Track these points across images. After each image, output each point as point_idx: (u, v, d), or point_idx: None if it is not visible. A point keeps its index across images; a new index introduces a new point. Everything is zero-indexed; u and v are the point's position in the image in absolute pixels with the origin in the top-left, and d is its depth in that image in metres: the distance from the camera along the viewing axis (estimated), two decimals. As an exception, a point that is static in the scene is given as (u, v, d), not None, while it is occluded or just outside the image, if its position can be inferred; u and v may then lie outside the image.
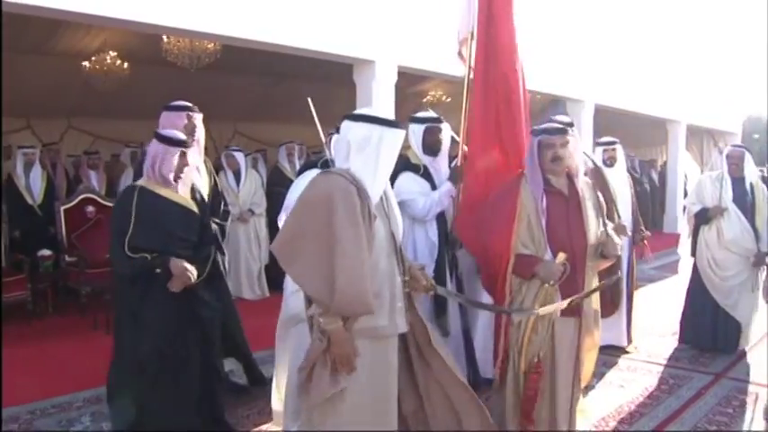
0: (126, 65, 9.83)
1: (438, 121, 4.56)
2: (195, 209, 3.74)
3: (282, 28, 6.58)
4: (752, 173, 5.78)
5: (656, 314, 6.96)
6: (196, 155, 4.21)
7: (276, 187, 8.69)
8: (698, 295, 5.82)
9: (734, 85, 18.46)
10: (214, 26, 6.22)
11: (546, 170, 3.50)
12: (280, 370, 3.83)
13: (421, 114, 4.65)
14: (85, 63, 9.77)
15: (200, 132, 4.39)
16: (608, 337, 5.61)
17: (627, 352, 5.75)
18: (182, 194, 3.68)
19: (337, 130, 3.79)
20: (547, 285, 3.34)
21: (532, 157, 3.52)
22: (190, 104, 4.34)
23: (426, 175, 4.48)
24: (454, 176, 4.37)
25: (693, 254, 5.91)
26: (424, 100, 12.92)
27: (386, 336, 2.84)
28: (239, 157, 8.04)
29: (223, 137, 12.31)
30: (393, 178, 4.15)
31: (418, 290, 3.04)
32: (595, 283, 3.63)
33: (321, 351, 2.65)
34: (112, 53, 9.81)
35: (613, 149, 5.93)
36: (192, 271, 3.50)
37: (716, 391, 4.91)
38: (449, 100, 12.89)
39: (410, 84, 10.99)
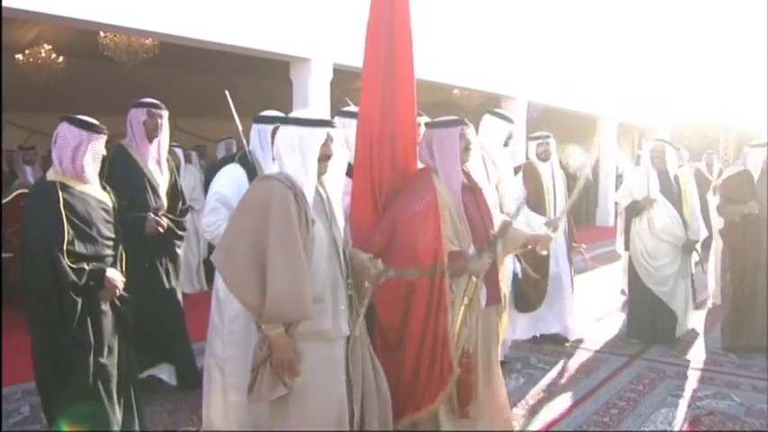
0: (61, 59, 9.74)
1: None
2: (109, 200, 3.45)
3: (219, 26, 6.68)
4: (675, 165, 6.09)
5: (588, 301, 7.28)
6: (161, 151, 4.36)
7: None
8: (636, 290, 6.04)
9: (664, 84, 19.24)
10: (151, 23, 6.28)
11: (462, 162, 3.50)
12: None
13: (349, 108, 4.39)
14: (19, 56, 9.64)
15: (165, 129, 4.48)
16: (547, 327, 5.90)
17: (567, 341, 5.96)
18: (95, 187, 3.39)
19: (254, 121, 3.86)
20: (474, 278, 3.37)
21: (452, 149, 3.47)
22: (157, 102, 4.42)
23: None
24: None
25: (627, 248, 6.15)
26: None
27: (330, 339, 2.84)
28: (179, 152, 8.09)
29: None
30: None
31: (369, 279, 2.95)
32: (501, 268, 3.70)
33: (264, 357, 2.69)
34: (47, 46, 9.71)
35: (547, 143, 5.97)
36: (121, 282, 3.33)
37: (629, 371, 5.28)
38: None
39: (350, 79, 11.15)
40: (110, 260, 3.36)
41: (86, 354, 3.18)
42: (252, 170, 3.79)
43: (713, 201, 7.65)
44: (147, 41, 9.05)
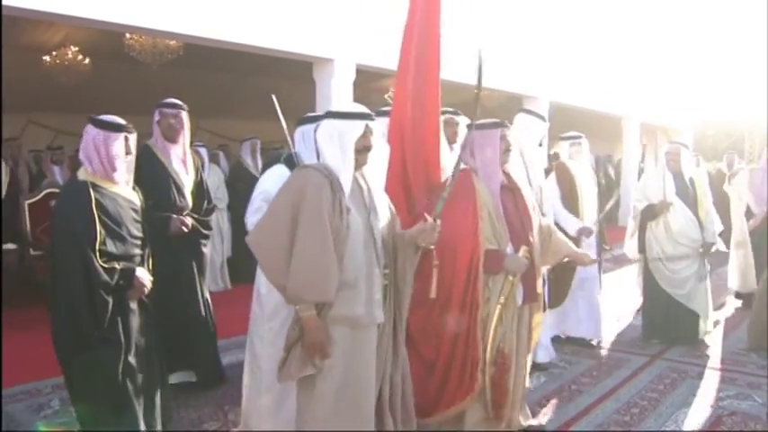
0: (87, 60, 9.89)
1: None
2: (137, 200, 3.49)
3: (243, 27, 6.76)
4: (690, 167, 6.06)
5: (608, 301, 7.25)
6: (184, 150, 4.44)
7: (239, 183, 8.88)
8: (652, 291, 5.98)
9: (687, 85, 19.09)
10: (176, 25, 6.37)
11: (502, 162, 3.59)
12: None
13: (384, 108, 4.45)
14: (46, 58, 9.81)
15: (187, 129, 4.57)
16: (582, 330, 5.86)
17: (593, 346, 5.90)
18: (124, 187, 3.42)
19: (298, 123, 3.94)
20: (511, 277, 3.44)
21: (493, 150, 3.55)
22: (174, 101, 4.50)
23: None
24: None
25: (642, 250, 6.07)
26: (386, 95, 13.14)
27: (363, 325, 2.91)
28: (203, 152, 8.21)
29: (185, 132, 12.41)
30: None
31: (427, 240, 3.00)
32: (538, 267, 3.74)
33: (296, 338, 2.81)
34: (74, 48, 9.86)
35: (579, 143, 5.91)
36: (149, 281, 3.39)
37: (650, 370, 5.28)
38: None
39: (372, 79, 11.21)
40: (138, 260, 3.40)
41: (116, 353, 3.22)
42: None
43: (731, 193, 7.62)
44: (171, 43, 9.17)
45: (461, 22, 8.59)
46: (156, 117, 4.54)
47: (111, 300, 3.18)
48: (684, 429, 4.16)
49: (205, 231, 4.75)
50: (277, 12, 7.01)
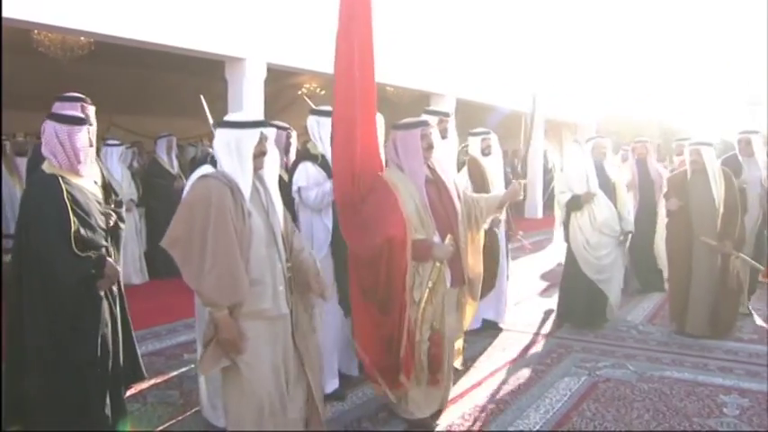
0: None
1: None
2: (100, 195, 3.62)
3: (154, 26, 6.86)
4: (610, 161, 6.52)
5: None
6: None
7: (155, 179, 9.00)
8: (573, 278, 6.31)
9: (589, 81, 20.08)
10: (85, 23, 6.39)
11: (425, 159, 3.90)
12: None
13: (324, 107, 4.61)
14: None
15: (93, 124, 4.65)
16: (489, 314, 6.20)
17: (500, 329, 6.26)
18: (88, 180, 3.53)
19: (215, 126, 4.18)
20: (439, 264, 3.80)
21: (415, 148, 3.86)
22: (82, 96, 4.42)
23: (324, 164, 4.47)
24: None
25: (567, 239, 6.45)
26: (299, 92, 13.39)
27: (271, 317, 3.14)
28: (118, 149, 8.24)
29: (99, 129, 12.23)
30: (294, 167, 4.53)
31: (313, 293, 3.38)
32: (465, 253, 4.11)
33: (211, 335, 3.05)
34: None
35: (489, 138, 6.14)
36: (118, 272, 3.47)
37: (540, 347, 5.81)
38: (323, 92, 13.44)
39: (285, 76, 11.42)
40: (104, 250, 3.48)
41: (83, 342, 3.33)
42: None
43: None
44: (82, 38, 9.12)
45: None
46: (78, 111, 4.46)
47: (81, 289, 3.29)
48: (563, 395, 4.64)
49: (121, 224, 4.85)
50: (188, 11, 7.14)
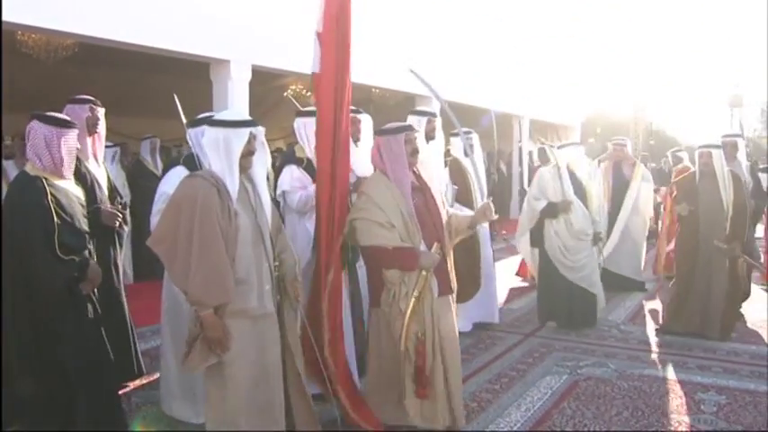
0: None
1: None
2: (84, 197, 3.63)
3: (139, 27, 6.87)
4: (584, 165, 6.52)
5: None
6: (98, 145, 4.43)
7: (139, 180, 8.98)
8: (550, 279, 6.27)
9: (574, 83, 20.24)
10: (69, 24, 6.40)
11: (410, 164, 3.84)
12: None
13: (310, 109, 4.58)
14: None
15: (102, 125, 4.58)
16: (481, 315, 6.20)
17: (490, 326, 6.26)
18: (71, 182, 3.54)
19: (192, 125, 4.05)
20: (425, 272, 3.70)
21: (399, 153, 3.78)
22: (92, 98, 4.48)
23: (309, 168, 4.47)
24: None
25: (535, 245, 6.41)
26: (285, 94, 13.40)
27: (256, 316, 3.17)
28: (113, 150, 8.25)
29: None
30: (279, 170, 4.55)
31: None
32: (450, 261, 4.06)
33: (197, 334, 3.06)
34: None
35: (471, 138, 6.00)
36: (100, 275, 3.46)
37: (522, 346, 5.86)
38: (309, 94, 13.43)
39: (270, 78, 11.44)
40: (87, 253, 3.49)
41: (67, 344, 3.33)
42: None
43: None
44: (67, 39, 9.10)
45: (355, 25, 8.95)
46: (87, 113, 4.43)
47: (65, 291, 3.29)
48: (544, 393, 4.71)
49: (125, 226, 4.72)
50: (173, 13, 7.16)
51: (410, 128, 3.94)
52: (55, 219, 3.25)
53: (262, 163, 3.35)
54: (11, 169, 8.42)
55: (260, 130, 3.27)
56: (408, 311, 3.69)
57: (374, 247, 3.75)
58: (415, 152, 3.85)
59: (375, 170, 3.98)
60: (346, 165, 4.04)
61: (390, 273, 3.73)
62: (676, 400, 4.58)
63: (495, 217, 4.04)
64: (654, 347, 5.84)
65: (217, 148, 3.13)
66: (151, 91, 11.47)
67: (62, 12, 6.27)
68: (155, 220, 3.89)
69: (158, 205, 3.95)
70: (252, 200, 3.28)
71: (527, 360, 5.47)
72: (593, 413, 4.34)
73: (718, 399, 4.60)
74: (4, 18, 5.89)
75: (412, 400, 3.79)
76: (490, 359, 5.48)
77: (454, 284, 4.04)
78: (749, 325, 6.62)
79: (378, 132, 3.97)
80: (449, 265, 3.95)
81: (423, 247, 3.77)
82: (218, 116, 3.29)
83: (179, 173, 3.96)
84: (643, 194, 8.20)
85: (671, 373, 5.13)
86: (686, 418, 4.27)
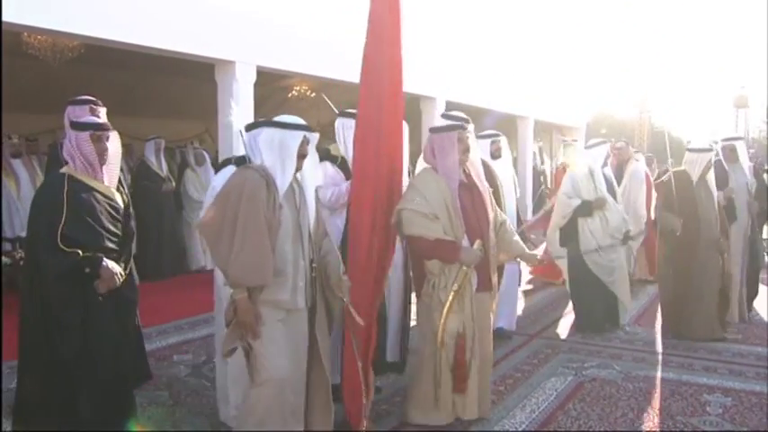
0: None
1: None
2: (120, 200, 3.64)
3: (144, 28, 6.86)
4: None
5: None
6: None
7: (144, 181, 9.02)
8: (586, 283, 6.19)
9: (579, 84, 20.19)
10: (75, 26, 6.39)
11: (461, 162, 3.97)
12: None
13: (350, 110, 4.51)
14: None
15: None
16: (501, 321, 6.02)
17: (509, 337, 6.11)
18: (107, 185, 3.58)
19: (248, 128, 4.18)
20: (465, 268, 3.82)
21: (451, 150, 3.91)
22: (93, 98, 4.44)
23: (343, 166, 4.57)
24: None
25: (564, 244, 6.29)
26: (289, 95, 13.42)
27: (286, 309, 3.30)
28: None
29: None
30: None
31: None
32: (492, 259, 4.11)
33: (231, 317, 3.19)
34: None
35: (499, 141, 6.00)
36: (120, 274, 3.44)
37: (528, 348, 5.86)
38: (313, 95, 13.46)
39: (275, 79, 11.45)
40: (112, 255, 3.47)
41: (68, 339, 3.35)
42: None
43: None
44: (72, 41, 9.12)
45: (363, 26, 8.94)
46: (87, 113, 4.26)
47: (70, 284, 3.32)
48: (549, 395, 4.70)
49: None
50: (178, 14, 7.16)
51: (463, 126, 4.07)
52: (64, 211, 3.30)
53: (313, 168, 3.52)
54: (18, 168, 8.51)
55: (314, 136, 3.42)
56: (447, 304, 3.82)
57: (416, 237, 3.87)
58: (466, 150, 4.01)
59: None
60: (399, 166, 4.08)
61: (431, 263, 3.91)
62: (682, 402, 4.57)
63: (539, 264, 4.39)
64: (659, 349, 5.82)
65: (271, 146, 3.29)
66: (156, 92, 11.52)
67: (68, 13, 6.27)
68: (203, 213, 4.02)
69: (209, 200, 4.01)
70: (297, 200, 3.42)
71: (532, 361, 5.46)
72: (599, 415, 4.34)
73: (724, 400, 4.59)
74: (11, 20, 5.91)
75: (447, 394, 3.94)
76: (495, 360, 5.44)
77: (495, 282, 4.14)
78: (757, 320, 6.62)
79: (432, 130, 4.11)
80: (491, 263, 4.05)
81: (465, 242, 3.88)
82: (276, 118, 3.43)
83: (231, 171, 3.96)
84: (632, 194, 7.99)
85: (676, 375, 5.12)
86: (692, 420, 4.26)
